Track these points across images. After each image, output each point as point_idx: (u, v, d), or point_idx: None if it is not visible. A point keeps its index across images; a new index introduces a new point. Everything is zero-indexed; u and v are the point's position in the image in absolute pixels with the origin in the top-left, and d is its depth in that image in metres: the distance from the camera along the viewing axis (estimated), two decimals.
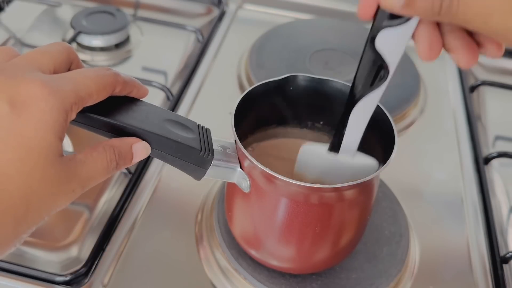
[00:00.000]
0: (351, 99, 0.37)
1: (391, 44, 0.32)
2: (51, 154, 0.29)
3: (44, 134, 0.29)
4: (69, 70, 0.34)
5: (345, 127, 0.39)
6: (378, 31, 0.32)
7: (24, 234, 0.29)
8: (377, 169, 0.41)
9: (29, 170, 0.28)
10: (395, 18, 0.31)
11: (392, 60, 0.33)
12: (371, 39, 0.32)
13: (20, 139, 0.28)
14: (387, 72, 0.34)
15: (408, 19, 0.30)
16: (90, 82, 0.32)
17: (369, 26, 0.33)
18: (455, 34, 0.31)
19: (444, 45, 0.31)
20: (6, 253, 0.29)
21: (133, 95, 0.36)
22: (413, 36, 0.31)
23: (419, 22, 0.31)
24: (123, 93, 0.35)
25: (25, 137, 0.28)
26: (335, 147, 0.41)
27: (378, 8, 0.31)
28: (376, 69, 0.34)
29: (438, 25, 0.31)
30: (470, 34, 0.31)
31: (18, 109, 0.28)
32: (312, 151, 0.43)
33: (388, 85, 0.35)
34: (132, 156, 0.35)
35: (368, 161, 0.42)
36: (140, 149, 0.35)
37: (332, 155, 0.42)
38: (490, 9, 0.27)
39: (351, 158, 0.41)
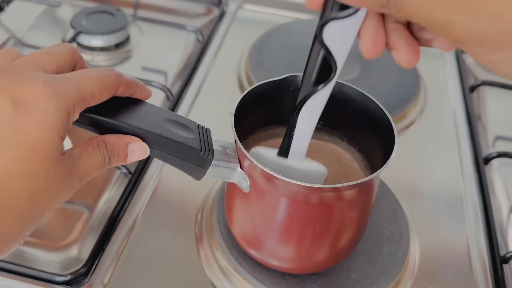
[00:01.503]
0: (300, 100, 0.36)
1: (339, 36, 0.32)
2: (55, 153, 0.29)
3: (48, 134, 0.29)
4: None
5: (294, 130, 0.38)
6: (326, 23, 0.31)
7: (28, 231, 0.30)
8: (326, 177, 0.40)
9: (33, 169, 0.29)
10: (342, 9, 0.30)
11: (340, 55, 0.33)
12: (319, 32, 0.32)
13: (24, 138, 0.28)
14: (335, 68, 0.34)
15: (356, 11, 0.30)
16: (92, 83, 0.32)
17: None
18: (398, 32, 0.31)
19: (387, 44, 0.31)
20: (11, 249, 0.30)
21: (136, 96, 0.36)
22: (358, 33, 0.31)
23: (365, 19, 0.30)
24: (126, 94, 0.35)
25: (29, 137, 0.29)
26: (284, 151, 0.41)
27: None
28: (323, 65, 0.34)
29: (383, 23, 0.31)
30: (413, 34, 0.31)
31: (21, 109, 0.29)
32: (262, 155, 0.42)
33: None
34: (127, 155, 0.35)
35: (317, 167, 0.42)
36: (137, 149, 0.35)
37: (281, 160, 0.41)
38: (432, 1, 0.27)
39: (300, 163, 0.41)
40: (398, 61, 0.31)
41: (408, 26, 0.31)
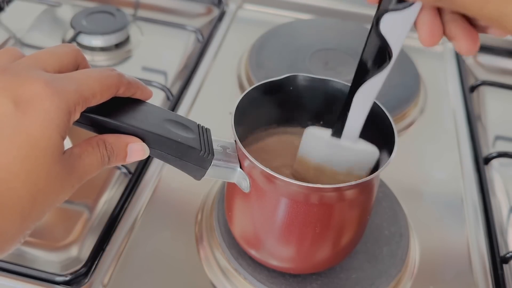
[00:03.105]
0: (355, 83, 0.38)
1: (395, 27, 0.34)
2: (56, 153, 0.29)
3: (49, 133, 0.29)
4: None
5: (348, 111, 0.40)
6: (382, 15, 0.33)
7: (28, 230, 0.30)
8: (378, 158, 0.41)
9: (34, 168, 0.29)
10: (399, 2, 0.32)
11: (395, 44, 0.35)
12: (376, 22, 0.34)
13: (25, 137, 0.28)
14: (390, 55, 0.35)
15: (411, 4, 0.32)
16: (94, 83, 0.32)
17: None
18: (456, 22, 0.32)
19: (446, 34, 0.33)
20: (12, 248, 0.30)
21: (136, 96, 0.36)
22: (415, 23, 0.33)
23: (421, 9, 0.32)
24: (127, 95, 0.35)
25: (30, 136, 0.29)
26: (338, 132, 0.42)
27: None
28: (380, 53, 0.35)
29: (440, 14, 0.32)
30: (471, 23, 0.32)
31: (22, 108, 0.29)
32: (315, 135, 0.43)
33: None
34: (126, 155, 0.35)
35: (369, 147, 0.42)
36: (136, 150, 0.35)
37: (334, 140, 0.42)
38: None
39: (353, 144, 0.42)
40: (458, 50, 0.32)
41: (465, 15, 0.32)
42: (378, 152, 0.42)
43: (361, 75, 0.37)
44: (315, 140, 0.43)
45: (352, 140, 0.42)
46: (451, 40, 0.33)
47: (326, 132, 0.43)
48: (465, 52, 0.32)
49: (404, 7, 0.32)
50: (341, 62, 0.72)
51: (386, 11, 0.33)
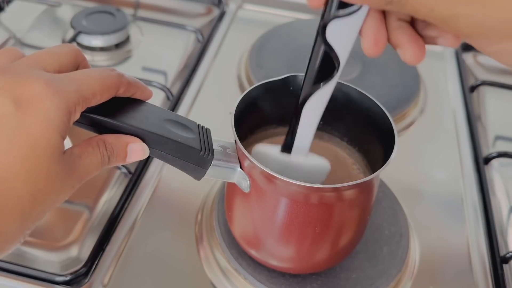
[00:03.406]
0: (303, 95, 0.37)
1: (342, 35, 0.32)
2: (56, 153, 0.30)
3: (49, 133, 0.29)
4: None
5: (297, 125, 0.39)
6: (328, 21, 0.32)
7: (28, 230, 0.30)
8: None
9: (34, 168, 0.29)
10: (344, 7, 0.31)
11: (342, 52, 0.33)
12: (322, 30, 0.32)
13: (26, 137, 0.28)
14: (338, 64, 0.34)
15: (358, 9, 0.30)
16: (94, 83, 0.32)
17: None
18: (402, 30, 0.31)
19: (391, 41, 0.32)
20: (12, 248, 0.30)
21: (136, 96, 0.36)
22: (359, 31, 0.32)
23: (367, 16, 0.31)
24: (127, 95, 0.35)
25: (30, 136, 0.29)
26: (287, 147, 0.41)
27: None
28: (327, 62, 0.34)
29: (385, 20, 0.31)
30: (418, 32, 0.31)
31: (23, 108, 0.29)
32: (264, 152, 0.42)
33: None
34: (126, 155, 0.35)
35: (320, 162, 0.42)
36: (136, 150, 0.35)
37: (284, 156, 0.41)
38: None
39: (304, 159, 0.41)
40: (404, 58, 0.31)
41: (412, 24, 0.32)
42: (329, 165, 0.42)
43: (309, 87, 0.36)
44: (265, 158, 0.42)
45: (303, 155, 0.41)
46: (396, 48, 0.32)
47: (275, 149, 0.42)
48: (411, 60, 0.31)
49: (351, 12, 0.31)
50: None
51: (332, 17, 0.31)
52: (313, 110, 0.37)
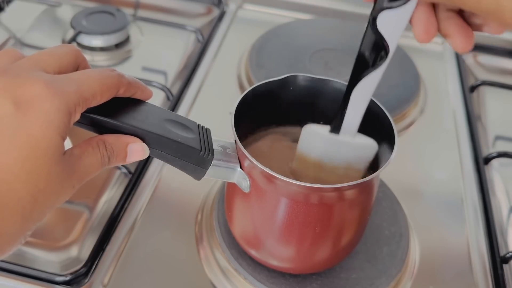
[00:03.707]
0: (353, 79, 0.38)
1: (391, 24, 0.34)
2: (56, 153, 0.30)
3: (50, 134, 0.29)
4: None
5: (346, 107, 0.40)
6: (379, 12, 0.33)
7: (29, 231, 0.30)
8: (377, 151, 0.42)
9: (35, 169, 0.29)
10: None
11: (392, 40, 0.35)
12: (372, 20, 0.34)
13: (26, 138, 0.28)
14: (387, 51, 0.35)
15: (407, 1, 0.32)
16: (94, 83, 0.32)
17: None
18: (451, 20, 0.32)
19: (440, 31, 0.33)
20: (13, 249, 0.30)
21: (136, 96, 0.36)
22: (410, 20, 0.33)
23: (417, 6, 0.32)
24: (127, 95, 0.35)
25: (31, 137, 0.29)
26: (336, 128, 0.42)
27: None
28: (377, 49, 0.36)
29: (435, 11, 0.33)
30: (466, 21, 0.33)
31: (23, 109, 0.29)
32: (314, 132, 0.43)
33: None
34: (126, 155, 0.35)
35: (368, 142, 0.43)
36: (136, 150, 0.35)
37: (333, 136, 0.42)
38: None
39: (352, 139, 0.42)
40: (454, 47, 0.33)
41: (460, 12, 0.33)
42: (377, 145, 0.43)
43: (359, 71, 0.38)
44: (313, 137, 0.43)
45: (351, 135, 0.42)
46: (446, 38, 0.33)
47: (325, 129, 0.43)
48: (460, 49, 0.33)
49: (400, 4, 0.32)
50: (341, 62, 0.72)
51: (383, 8, 0.33)
52: (362, 94, 0.39)
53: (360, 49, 0.37)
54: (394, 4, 0.33)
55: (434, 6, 0.33)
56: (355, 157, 0.43)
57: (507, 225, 0.56)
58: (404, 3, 0.32)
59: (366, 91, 0.39)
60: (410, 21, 0.33)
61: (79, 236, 0.51)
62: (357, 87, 0.39)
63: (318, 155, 0.44)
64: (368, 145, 0.43)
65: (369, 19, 0.34)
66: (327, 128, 0.43)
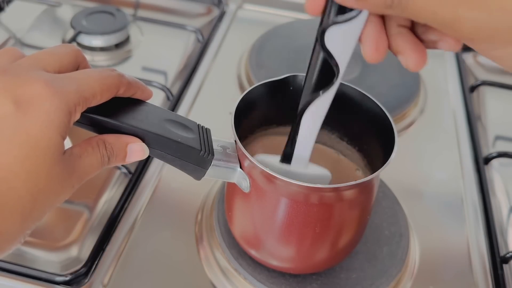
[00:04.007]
0: (303, 104, 0.36)
1: (341, 41, 0.31)
2: (56, 153, 0.30)
3: (50, 134, 0.29)
4: None
5: (297, 135, 0.38)
6: (327, 27, 0.31)
7: (28, 230, 0.30)
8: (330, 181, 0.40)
9: (35, 168, 0.29)
10: (343, 12, 0.30)
11: (342, 59, 0.32)
12: (320, 37, 0.31)
13: (26, 137, 0.29)
14: (337, 72, 0.33)
15: (357, 14, 0.30)
16: (94, 83, 0.32)
17: None
18: (403, 36, 0.30)
19: (392, 48, 0.31)
20: (12, 248, 0.30)
21: (137, 96, 0.36)
22: (359, 38, 0.31)
23: (366, 22, 0.30)
24: (127, 95, 0.35)
25: (31, 136, 0.29)
26: (287, 157, 0.40)
27: (327, 2, 0.30)
28: (326, 69, 0.33)
29: (385, 27, 0.31)
30: (418, 37, 0.31)
31: (23, 108, 0.29)
32: (264, 162, 0.41)
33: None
34: (126, 155, 0.35)
35: (321, 171, 0.41)
36: (136, 150, 0.35)
37: (284, 166, 0.41)
38: None
39: (304, 169, 0.40)
40: (405, 65, 0.31)
41: (412, 29, 0.31)
42: (330, 175, 0.41)
43: (308, 95, 0.35)
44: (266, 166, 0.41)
45: (303, 165, 0.40)
46: (397, 55, 0.31)
47: (275, 159, 0.41)
48: (412, 67, 0.30)
49: (350, 18, 0.30)
50: None
51: (331, 24, 0.30)
52: (313, 119, 0.37)
53: (308, 70, 0.34)
54: (342, 18, 0.30)
55: (384, 22, 0.31)
56: None
57: (507, 225, 0.56)
58: (355, 15, 0.29)
59: (317, 116, 0.36)
60: (360, 39, 0.31)
61: (79, 236, 0.51)
62: (306, 112, 0.36)
63: None
64: (321, 176, 0.41)
65: (316, 36, 0.32)
66: (277, 158, 0.41)
